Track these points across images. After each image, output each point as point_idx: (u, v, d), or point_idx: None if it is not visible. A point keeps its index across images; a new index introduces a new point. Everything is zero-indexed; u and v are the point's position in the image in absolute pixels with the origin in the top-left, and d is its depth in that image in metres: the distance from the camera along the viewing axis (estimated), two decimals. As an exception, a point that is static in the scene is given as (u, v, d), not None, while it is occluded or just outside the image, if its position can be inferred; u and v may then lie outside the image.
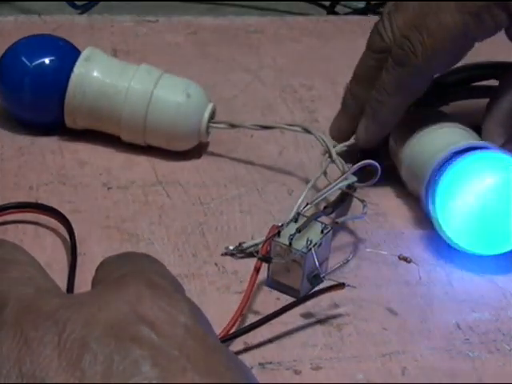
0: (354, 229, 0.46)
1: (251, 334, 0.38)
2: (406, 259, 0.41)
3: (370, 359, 0.38)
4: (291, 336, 0.38)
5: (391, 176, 0.51)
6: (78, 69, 0.50)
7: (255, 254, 0.40)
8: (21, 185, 0.47)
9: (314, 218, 0.42)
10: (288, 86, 0.61)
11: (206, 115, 0.50)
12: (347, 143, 0.50)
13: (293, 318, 0.39)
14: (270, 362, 0.37)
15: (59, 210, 0.44)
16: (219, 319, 0.38)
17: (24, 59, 0.51)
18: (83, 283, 0.40)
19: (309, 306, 0.40)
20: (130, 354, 0.24)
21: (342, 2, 0.82)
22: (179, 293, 0.28)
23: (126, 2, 0.76)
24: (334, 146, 0.49)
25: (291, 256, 0.40)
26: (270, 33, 0.69)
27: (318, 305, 0.40)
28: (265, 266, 0.40)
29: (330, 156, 0.47)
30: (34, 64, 0.51)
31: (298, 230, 0.40)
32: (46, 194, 0.47)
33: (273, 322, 0.39)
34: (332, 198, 0.46)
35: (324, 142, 0.49)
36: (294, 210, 0.42)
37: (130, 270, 0.29)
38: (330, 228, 0.41)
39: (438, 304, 0.41)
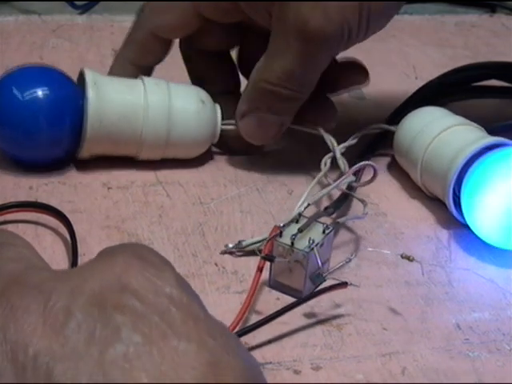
0: (354, 229, 0.46)
1: (251, 334, 0.38)
2: (408, 258, 0.41)
3: (370, 359, 0.38)
4: (291, 336, 0.38)
5: (391, 176, 0.51)
6: (92, 95, 0.47)
7: (258, 253, 0.40)
8: (21, 185, 0.47)
9: (315, 218, 0.42)
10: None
11: (219, 118, 0.50)
12: (346, 144, 0.50)
13: (293, 318, 0.39)
14: (270, 362, 0.37)
15: (59, 209, 0.44)
16: (219, 319, 0.38)
17: (18, 96, 0.46)
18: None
19: (309, 305, 0.40)
20: (112, 321, 0.25)
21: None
22: (167, 265, 0.28)
23: (126, 2, 0.76)
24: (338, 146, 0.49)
25: (293, 256, 0.40)
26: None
27: (318, 305, 0.40)
28: (266, 267, 0.40)
29: (335, 156, 0.47)
30: (32, 100, 0.46)
31: (300, 230, 0.40)
32: (46, 193, 0.47)
33: (273, 322, 0.39)
34: (333, 198, 0.46)
35: (330, 141, 0.49)
36: (295, 210, 0.42)
37: (120, 247, 0.29)
38: (331, 228, 0.41)
39: (437, 304, 0.41)
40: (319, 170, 0.47)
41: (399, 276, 0.43)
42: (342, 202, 0.45)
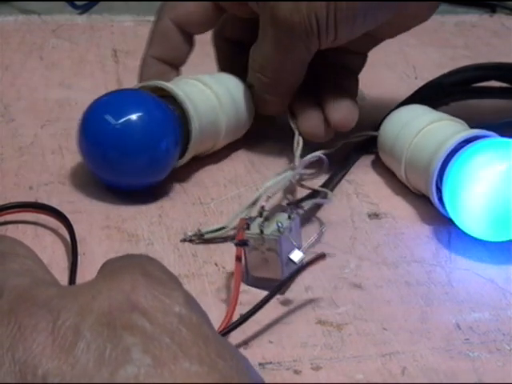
0: (353, 229, 0.46)
1: (251, 334, 0.38)
2: (376, 215, 0.43)
3: (370, 359, 0.38)
4: (291, 336, 0.38)
5: (391, 176, 0.51)
6: (192, 112, 0.47)
7: (232, 242, 0.40)
8: (21, 185, 0.47)
9: (280, 208, 0.42)
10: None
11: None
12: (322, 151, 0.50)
13: (293, 317, 0.39)
14: (270, 362, 0.37)
15: (59, 210, 0.44)
16: (219, 319, 0.38)
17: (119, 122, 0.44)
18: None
19: (308, 306, 0.40)
20: (122, 341, 0.25)
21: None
22: (175, 283, 0.28)
23: (126, 2, 0.76)
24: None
25: (265, 244, 0.40)
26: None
27: (318, 305, 0.40)
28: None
29: (294, 154, 0.49)
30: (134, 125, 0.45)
31: (266, 219, 0.41)
32: (46, 193, 0.47)
33: (273, 322, 0.39)
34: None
35: (297, 141, 0.50)
36: (250, 202, 0.44)
37: (126, 262, 0.29)
38: (296, 213, 0.42)
39: (437, 304, 0.41)
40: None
41: (399, 276, 0.43)
42: (306, 199, 0.45)
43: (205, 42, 0.56)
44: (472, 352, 0.38)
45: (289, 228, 0.40)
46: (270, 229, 0.40)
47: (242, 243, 0.39)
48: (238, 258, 0.39)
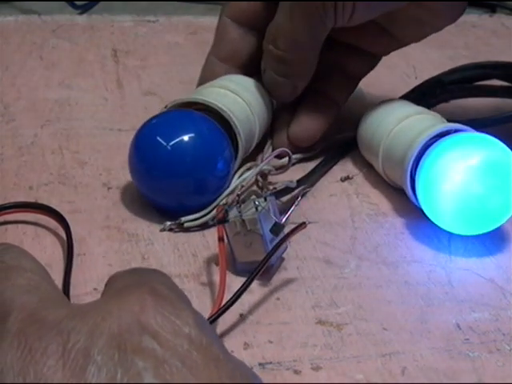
0: (353, 229, 0.46)
1: (251, 334, 0.38)
2: (348, 177, 0.44)
3: (370, 359, 0.38)
4: (291, 336, 0.38)
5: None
6: (237, 124, 0.47)
7: (212, 222, 0.41)
8: (21, 185, 0.47)
9: (254, 193, 0.43)
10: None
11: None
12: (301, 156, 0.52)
13: (293, 318, 0.39)
14: (270, 362, 0.37)
15: (59, 210, 0.44)
16: (220, 319, 0.38)
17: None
18: (83, 283, 0.40)
19: (308, 305, 0.40)
20: (133, 365, 0.24)
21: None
22: (184, 302, 0.28)
23: (126, 2, 0.76)
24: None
25: (246, 226, 0.40)
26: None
27: (318, 305, 0.40)
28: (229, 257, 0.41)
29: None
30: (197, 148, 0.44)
31: (242, 201, 0.41)
32: (46, 193, 0.47)
33: (273, 322, 0.39)
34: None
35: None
36: (223, 195, 0.45)
37: (134, 280, 0.29)
38: (270, 194, 0.42)
39: (437, 304, 0.41)
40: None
41: (399, 276, 0.43)
42: (280, 193, 0.46)
43: (205, 42, 0.56)
44: (472, 352, 0.38)
45: (267, 207, 0.41)
46: (249, 210, 0.41)
47: (222, 220, 0.40)
48: (221, 239, 0.40)
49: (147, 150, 0.44)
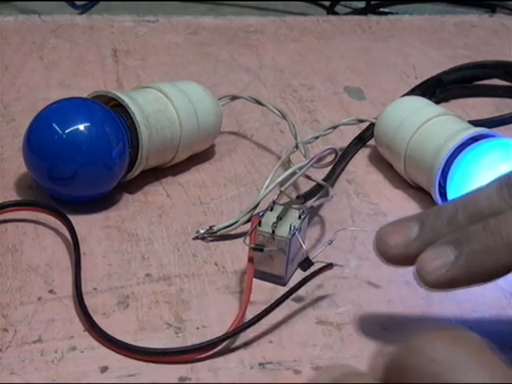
0: (353, 229, 0.46)
1: (251, 334, 0.38)
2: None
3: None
4: (291, 336, 0.38)
5: (391, 176, 0.51)
6: (143, 129, 0.46)
7: (246, 244, 0.40)
8: (20, 185, 0.47)
9: (290, 205, 0.42)
10: (288, 85, 0.61)
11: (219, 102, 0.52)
12: (316, 134, 0.50)
13: (293, 317, 0.39)
14: (270, 362, 0.37)
15: (59, 209, 0.44)
16: (219, 319, 0.38)
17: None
18: (83, 283, 0.40)
19: (308, 305, 0.40)
20: None
21: (342, 2, 0.82)
22: None
23: (126, 2, 0.76)
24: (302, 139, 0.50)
25: (276, 243, 0.40)
26: (270, 33, 0.69)
27: (318, 305, 0.40)
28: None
29: (297, 144, 0.49)
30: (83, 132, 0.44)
31: (280, 218, 0.41)
32: (46, 194, 0.47)
33: (273, 322, 0.39)
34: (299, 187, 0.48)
35: (293, 128, 0.50)
36: (261, 194, 0.44)
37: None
38: (306, 213, 0.42)
39: (437, 304, 0.41)
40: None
41: (399, 276, 0.43)
42: (313, 192, 0.46)
43: (205, 42, 0.57)
44: (472, 352, 0.38)
45: (299, 229, 0.41)
46: (282, 229, 0.40)
47: (257, 248, 0.40)
48: (251, 259, 0.39)
49: (33, 135, 0.45)
